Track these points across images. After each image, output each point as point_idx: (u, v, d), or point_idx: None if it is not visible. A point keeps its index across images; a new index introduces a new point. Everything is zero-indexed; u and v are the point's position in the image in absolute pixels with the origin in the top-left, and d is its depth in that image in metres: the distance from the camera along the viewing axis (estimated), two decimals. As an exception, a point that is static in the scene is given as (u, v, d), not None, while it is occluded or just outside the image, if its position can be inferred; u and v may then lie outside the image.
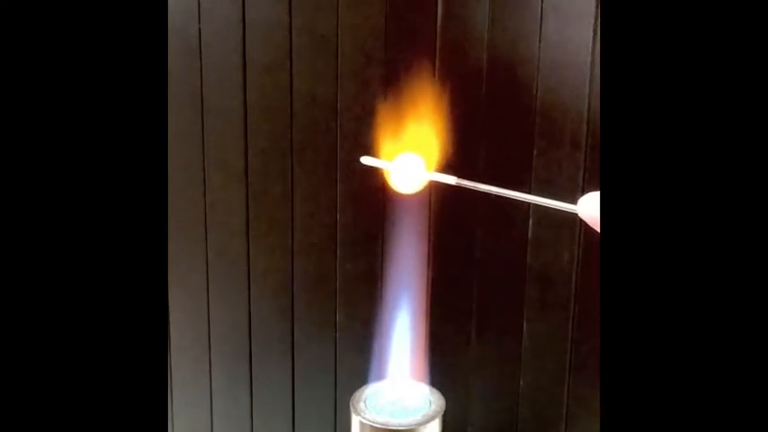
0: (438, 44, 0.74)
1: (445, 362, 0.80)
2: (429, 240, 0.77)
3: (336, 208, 0.80)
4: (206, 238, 0.86)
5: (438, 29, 0.73)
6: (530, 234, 0.76)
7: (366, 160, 0.46)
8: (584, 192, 0.73)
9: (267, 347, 0.86)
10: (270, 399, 0.88)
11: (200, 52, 0.80)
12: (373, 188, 0.77)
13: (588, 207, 0.37)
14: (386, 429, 0.48)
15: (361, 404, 0.50)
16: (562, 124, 0.73)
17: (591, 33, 0.70)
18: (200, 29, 0.80)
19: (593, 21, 0.70)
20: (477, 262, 0.78)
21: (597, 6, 0.70)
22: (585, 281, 0.76)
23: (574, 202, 0.39)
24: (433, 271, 0.78)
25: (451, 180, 0.44)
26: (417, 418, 0.48)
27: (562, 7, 0.71)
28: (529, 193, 0.75)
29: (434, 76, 0.74)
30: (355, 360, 0.83)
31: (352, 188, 0.79)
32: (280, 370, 0.86)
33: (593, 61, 0.71)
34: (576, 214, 0.38)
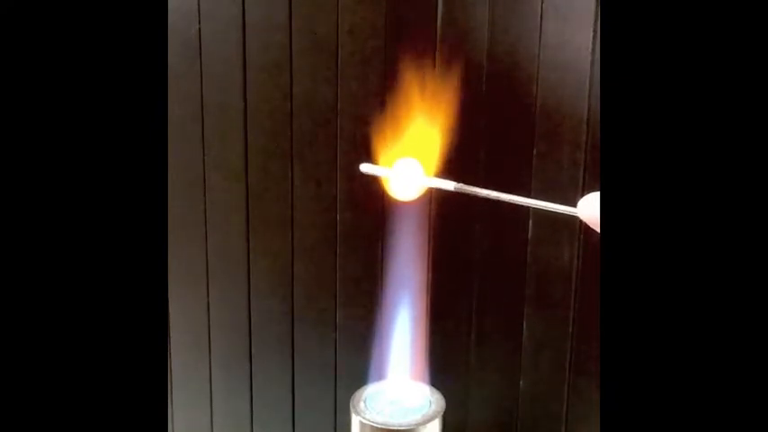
0: (438, 45, 0.74)
1: (445, 362, 0.80)
2: (429, 239, 0.77)
3: (336, 208, 0.80)
4: (206, 238, 0.86)
5: (438, 29, 0.73)
6: (530, 234, 0.76)
7: (365, 168, 0.46)
8: (584, 191, 0.73)
9: (267, 347, 0.86)
10: (270, 399, 0.88)
11: (200, 52, 0.80)
12: (374, 187, 0.77)
13: (588, 207, 0.37)
14: (386, 429, 0.48)
15: (361, 404, 0.50)
16: (562, 124, 0.73)
17: (591, 33, 0.70)
18: (200, 29, 0.80)
19: (593, 21, 0.70)
20: (476, 262, 0.78)
21: (597, 6, 0.70)
22: (585, 281, 0.76)
23: (574, 202, 0.39)
24: (433, 270, 0.78)
25: (450, 186, 0.44)
26: (417, 418, 0.49)
27: (562, 7, 0.71)
28: (529, 193, 0.75)
29: (434, 76, 0.74)
30: (355, 360, 0.83)
31: (352, 187, 0.79)
32: (280, 370, 0.86)
33: (593, 61, 0.71)
34: (576, 216, 0.38)
